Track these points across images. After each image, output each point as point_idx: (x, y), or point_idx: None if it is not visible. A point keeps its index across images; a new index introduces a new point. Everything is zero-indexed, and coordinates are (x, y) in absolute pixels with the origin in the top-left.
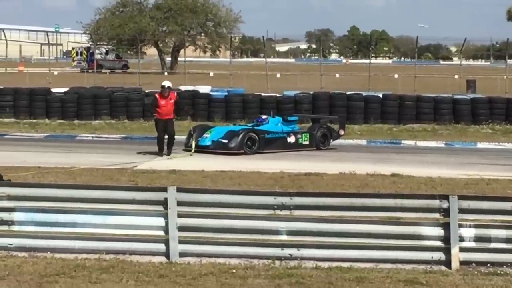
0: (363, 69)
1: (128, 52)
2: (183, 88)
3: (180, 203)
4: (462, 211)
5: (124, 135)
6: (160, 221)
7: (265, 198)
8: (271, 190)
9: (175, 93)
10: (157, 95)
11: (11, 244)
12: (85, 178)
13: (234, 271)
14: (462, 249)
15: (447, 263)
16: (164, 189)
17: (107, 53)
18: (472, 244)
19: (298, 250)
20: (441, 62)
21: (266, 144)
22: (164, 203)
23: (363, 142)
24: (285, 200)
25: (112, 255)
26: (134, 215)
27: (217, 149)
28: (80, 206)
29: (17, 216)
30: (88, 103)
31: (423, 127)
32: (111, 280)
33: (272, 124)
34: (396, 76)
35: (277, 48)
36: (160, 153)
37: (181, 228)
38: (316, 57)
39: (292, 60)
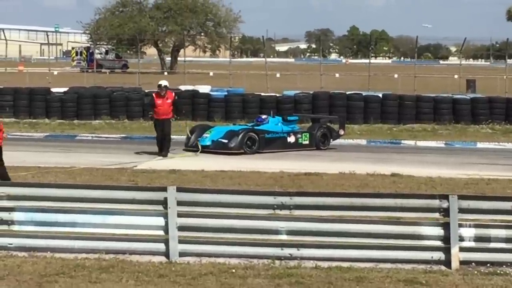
0: (363, 69)
1: (128, 52)
2: (182, 88)
3: (180, 203)
4: (462, 211)
5: (124, 135)
6: (160, 221)
7: (265, 198)
8: (271, 190)
9: (173, 93)
10: (154, 95)
11: (11, 244)
12: (85, 178)
13: (234, 270)
14: (462, 249)
15: (447, 263)
16: (164, 189)
17: (106, 53)
18: (472, 244)
19: (298, 249)
20: (441, 62)
21: (266, 144)
22: (164, 202)
23: (363, 142)
24: (285, 200)
25: (112, 254)
26: (134, 215)
27: (217, 149)
28: (79, 205)
29: (17, 215)
30: (88, 103)
31: (423, 127)
32: (111, 279)
33: (272, 124)
34: (396, 76)
35: (277, 48)
36: (160, 153)
37: (181, 228)
38: (316, 57)
39: (292, 60)
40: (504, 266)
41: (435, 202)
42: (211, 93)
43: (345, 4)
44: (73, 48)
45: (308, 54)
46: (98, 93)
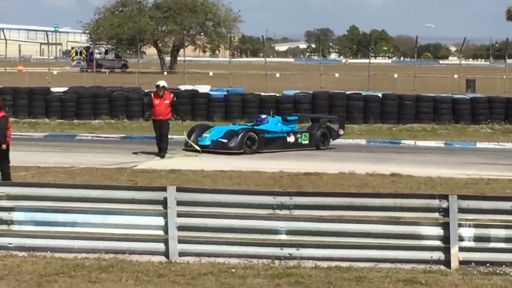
0: (363, 68)
1: (128, 51)
2: (182, 87)
3: (179, 203)
4: (461, 210)
5: (123, 135)
6: (160, 221)
7: (265, 198)
8: (270, 190)
9: (172, 94)
10: (152, 95)
11: (11, 244)
12: (85, 178)
13: (233, 270)
14: (462, 249)
15: (447, 262)
16: (164, 189)
17: (106, 52)
18: (472, 244)
19: (297, 249)
20: (441, 61)
21: (265, 143)
22: (164, 202)
23: (363, 141)
24: (285, 199)
25: (111, 254)
26: (134, 215)
27: (217, 148)
28: (79, 205)
29: (16, 215)
30: (87, 103)
31: (423, 127)
32: (110, 279)
33: (272, 123)
34: (395, 75)
35: (276, 48)
36: (159, 153)
37: (180, 228)
38: (316, 57)
39: (291, 59)
40: (503, 266)
41: (435, 202)
42: (211, 93)
43: (345, 4)
44: (72, 48)
45: (307, 54)
46: (97, 93)
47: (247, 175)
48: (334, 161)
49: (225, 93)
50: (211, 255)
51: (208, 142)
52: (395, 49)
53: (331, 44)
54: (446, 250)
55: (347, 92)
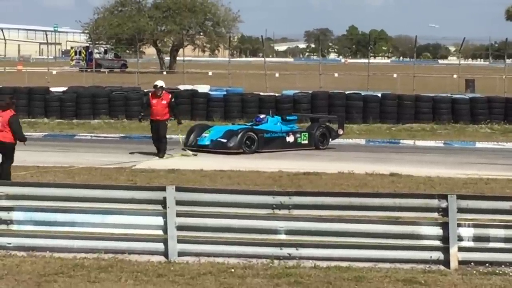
0: (362, 68)
1: (127, 51)
2: (181, 87)
3: (179, 203)
4: (460, 210)
5: (122, 135)
6: (159, 221)
7: (264, 198)
8: (270, 190)
9: (170, 95)
10: (150, 94)
11: (10, 244)
12: (84, 177)
13: (232, 270)
14: (461, 249)
15: (446, 262)
16: (163, 188)
17: (105, 52)
18: (471, 244)
19: (296, 249)
20: (440, 61)
21: (265, 143)
22: (163, 202)
23: (362, 141)
24: (284, 199)
25: (111, 254)
26: (133, 214)
27: (216, 148)
28: (79, 205)
29: (15, 215)
30: (86, 103)
31: (422, 127)
32: (109, 279)
33: (271, 123)
34: (395, 75)
35: (275, 48)
36: (158, 153)
37: (179, 228)
38: (315, 57)
39: (291, 59)
40: (503, 266)
41: (434, 202)
42: (210, 92)
43: (344, 4)
44: (72, 48)
45: (307, 53)
46: (97, 92)
47: (246, 175)
48: (333, 161)
49: (225, 93)
50: (210, 255)
51: (207, 142)
52: (395, 49)
53: (330, 44)
54: (445, 250)
55: (347, 92)
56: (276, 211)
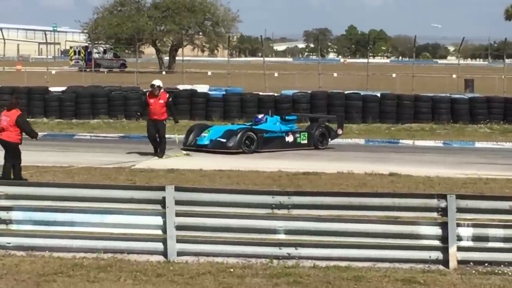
0: (361, 68)
1: (126, 51)
2: (181, 87)
3: (178, 202)
4: (460, 210)
5: (122, 134)
6: (158, 220)
7: (263, 197)
8: (269, 189)
9: (167, 94)
10: (147, 94)
11: (9, 243)
12: (83, 177)
13: (232, 270)
14: (460, 248)
15: (445, 262)
16: (162, 188)
17: (105, 52)
18: (470, 244)
19: (296, 249)
20: (439, 61)
21: (264, 143)
22: (162, 202)
23: (361, 141)
24: (283, 199)
25: (110, 254)
26: (132, 214)
27: (216, 148)
28: (78, 205)
29: (15, 215)
30: (86, 102)
31: (421, 127)
32: (109, 279)
33: (270, 123)
34: (394, 75)
35: (275, 47)
36: (155, 152)
37: (179, 227)
38: (314, 57)
39: (290, 59)
40: (502, 266)
41: (433, 202)
42: (209, 92)
43: (343, 4)
44: (71, 48)
45: (306, 53)
46: (96, 92)
47: (245, 175)
48: (333, 160)
49: (224, 92)
50: (209, 255)
51: (206, 142)
52: (394, 49)
53: (329, 44)
54: (445, 250)
55: (346, 92)
56: (276, 211)
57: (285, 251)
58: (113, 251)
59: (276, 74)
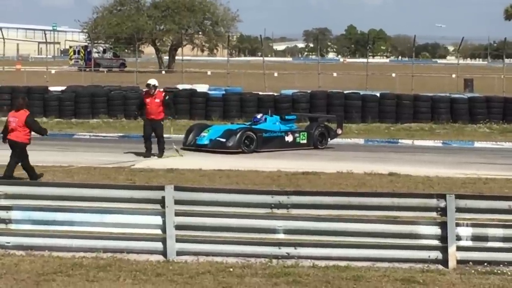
0: (361, 68)
1: (126, 50)
2: (180, 87)
3: (177, 202)
4: (459, 210)
5: (121, 134)
6: (158, 220)
7: (263, 197)
8: (268, 189)
9: (163, 93)
10: (144, 93)
11: (9, 243)
12: (83, 177)
13: (231, 269)
14: (459, 248)
15: (444, 262)
16: (162, 188)
17: (104, 51)
18: (469, 243)
19: (295, 249)
20: (439, 61)
21: (263, 143)
22: (162, 201)
23: (361, 141)
24: (283, 199)
25: (109, 253)
26: (132, 214)
27: (215, 147)
28: (77, 204)
29: (14, 214)
30: (85, 102)
31: (421, 126)
32: (108, 278)
33: (270, 123)
34: (393, 75)
35: (274, 47)
36: (146, 153)
37: (178, 227)
38: (314, 56)
39: (289, 59)
40: (501, 266)
41: (433, 201)
42: (209, 92)
43: (343, 3)
44: (70, 47)
45: (306, 53)
46: (96, 92)
47: (245, 174)
48: (332, 160)
49: (223, 92)
50: (209, 254)
51: (206, 141)
52: (393, 49)
53: (329, 44)
54: (444, 250)
55: (345, 92)
56: (275, 210)
57: (284, 250)
58: (112, 251)
59: (275, 74)
